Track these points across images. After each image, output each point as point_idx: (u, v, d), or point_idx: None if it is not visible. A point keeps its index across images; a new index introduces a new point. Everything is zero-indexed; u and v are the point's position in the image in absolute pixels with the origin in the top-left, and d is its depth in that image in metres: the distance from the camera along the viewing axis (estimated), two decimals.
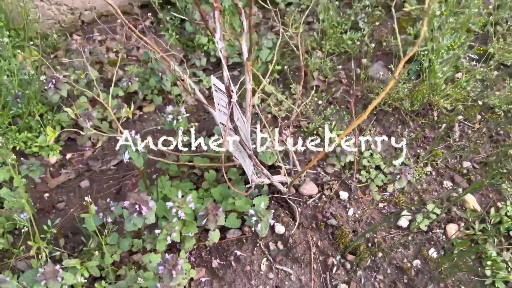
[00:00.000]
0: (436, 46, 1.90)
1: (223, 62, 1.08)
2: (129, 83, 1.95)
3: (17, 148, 1.81)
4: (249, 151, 1.25)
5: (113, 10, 1.35)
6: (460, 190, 1.64)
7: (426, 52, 1.84)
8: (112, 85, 1.71)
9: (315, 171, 1.64)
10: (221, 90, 1.19)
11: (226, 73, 1.10)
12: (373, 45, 2.04)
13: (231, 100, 1.11)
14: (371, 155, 1.68)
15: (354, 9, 2.29)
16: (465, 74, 1.95)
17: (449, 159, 1.74)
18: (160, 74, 1.95)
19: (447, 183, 1.66)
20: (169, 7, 2.54)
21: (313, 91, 1.87)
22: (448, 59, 1.86)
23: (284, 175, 1.48)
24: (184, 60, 1.75)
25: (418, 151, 1.77)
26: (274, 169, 1.61)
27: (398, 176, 1.51)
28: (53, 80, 1.70)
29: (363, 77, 2.03)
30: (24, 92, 1.82)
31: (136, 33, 1.45)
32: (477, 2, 1.93)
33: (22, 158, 1.78)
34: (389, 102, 1.89)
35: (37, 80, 1.79)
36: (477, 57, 2.00)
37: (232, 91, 1.14)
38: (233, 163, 1.54)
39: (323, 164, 1.67)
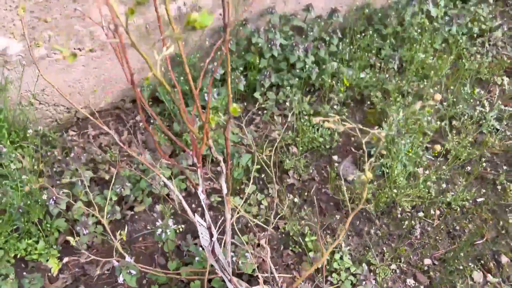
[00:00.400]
0: (396, 149, 2.15)
1: (205, 210, 1.29)
2: (122, 189, 2.14)
3: (18, 256, 1.97)
4: (228, 277, 1.44)
5: (95, 120, 1.56)
6: (422, 287, 1.83)
7: (386, 160, 2.08)
8: (110, 190, 1.91)
9: (290, 275, 1.82)
10: (203, 226, 1.38)
11: (207, 217, 1.30)
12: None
13: (212, 238, 1.31)
14: (341, 257, 1.87)
15: (324, 108, 2.56)
16: (424, 172, 2.19)
17: (411, 257, 1.94)
18: (150, 180, 2.15)
19: (410, 281, 1.85)
20: (157, 106, 2.78)
21: (290, 196, 2.08)
22: (406, 163, 2.11)
23: (262, 286, 1.66)
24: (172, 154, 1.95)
25: (384, 248, 1.97)
26: (254, 277, 1.79)
27: (364, 282, 1.70)
28: (54, 197, 1.89)
29: (333, 175, 2.26)
30: (26, 203, 1.99)
31: (123, 147, 1.66)
32: (429, 110, 2.20)
33: (24, 270, 1.94)
34: (357, 203, 2.10)
35: (39, 198, 1.97)
36: (433, 158, 2.24)
37: (213, 230, 1.34)
38: (217, 274, 1.72)
39: (299, 268, 1.86)
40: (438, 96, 0.98)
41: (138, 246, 2.07)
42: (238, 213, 1.66)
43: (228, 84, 1.05)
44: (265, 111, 2.78)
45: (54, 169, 2.49)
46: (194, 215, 1.37)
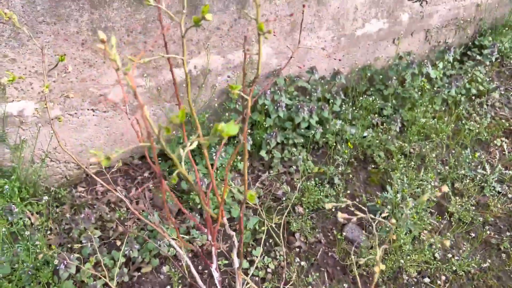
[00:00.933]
0: (400, 214, 2.19)
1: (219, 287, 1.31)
2: (131, 251, 2.16)
3: None
4: None
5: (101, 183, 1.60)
6: None
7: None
8: (119, 252, 1.92)
9: None
10: None
11: None
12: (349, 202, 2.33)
13: None
14: None
15: (328, 168, 2.62)
16: (429, 237, 2.22)
17: None
18: (158, 242, 2.18)
19: None
20: (166, 162, 2.84)
21: (296, 259, 2.10)
22: (411, 228, 2.14)
23: None
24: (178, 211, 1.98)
25: None
26: None
27: None
28: (65, 261, 1.91)
29: (339, 237, 2.28)
30: (35, 265, 2.01)
31: (135, 212, 1.69)
32: (432, 176, 2.26)
33: None
34: (363, 267, 2.12)
35: (50, 260, 1.99)
36: (437, 222, 2.28)
37: None
38: None
39: None
40: (445, 188, 1.03)
41: None
42: (247, 284, 1.68)
43: (245, 176, 1.11)
44: (271, 169, 2.84)
45: (62, 227, 2.52)
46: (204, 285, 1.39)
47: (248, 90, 1.08)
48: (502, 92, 3.45)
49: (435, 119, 3.02)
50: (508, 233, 2.30)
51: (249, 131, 2.95)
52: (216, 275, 1.30)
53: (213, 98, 2.90)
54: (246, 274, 2.14)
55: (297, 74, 3.16)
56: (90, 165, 2.86)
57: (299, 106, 2.82)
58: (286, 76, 3.13)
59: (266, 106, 2.86)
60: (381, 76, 3.33)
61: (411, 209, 2.16)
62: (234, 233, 1.37)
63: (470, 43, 3.89)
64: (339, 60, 3.04)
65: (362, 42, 3.34)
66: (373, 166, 2.80)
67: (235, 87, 0.98)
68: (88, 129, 2.65)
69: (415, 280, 2.09)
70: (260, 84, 3.07)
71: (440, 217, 2.28)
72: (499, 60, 3.91)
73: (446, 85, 3.16)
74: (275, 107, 2.83)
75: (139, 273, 2.24)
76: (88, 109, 2.58)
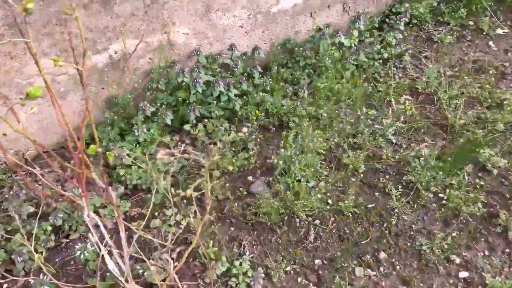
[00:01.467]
0: (293, 167, 2.47)
1: (92, 229, 1.58)
2: (55, 220, 2.42)
3: None
4: (122, 284, 1.72)
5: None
6: (311, 285, 2.12)
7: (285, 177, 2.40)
8: (37, 222, 2.18)
9: (196, 282, 2.11)
10: (92, 242, 1.68)
11: (95, 236, 1.60)
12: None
13: (101, 252, 1.60)
14: (241, 264, 2.16)
15: (239, 136, 2.89)
16: (319, 186, 2.51)
17: (304, 259, 2.23)
18: (81, 210, 2.44)
19: (302, 279, 2.14)
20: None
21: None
22: (302, 178, 2.43)
23: None
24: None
25: (283, 253, 2.26)
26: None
27: (252, 282, 1.99)
28: None
29: (245, 193, 2.57)
30: None
31: (51, 185, 1.94)
32: (319, 133, 2.54)
33: None
34: (261, 215, 2.41)
35: None
36: (326, 173, 2.57)
37: (101, 246, 1.63)
38: None
39: (203, 276, 2.15)
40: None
41: (70, 269, 2.34)
42: (137, 230, 1.95)
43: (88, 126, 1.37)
44: (196, 141, 3.10)
45: (3, 207, 2.77)
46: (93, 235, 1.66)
47: (81, 60, 1.32)
48: (416, 54, 3.73)
49: (348, 84, 3.29)
50: (387, 176, 2.60)
51: (175, 108, 3.20)
52: (87, 219, 1.56)
53: (136, 80, 3.14)
54: (160, 231, 2.42)
55: (218, 52, 3.40)
56: (27, 151, 3.10)
57: (215, 82, 3.07)
58: (208, 55, 3.37)
59: (185, 83, 3.11)
60: (300, 49, 3.58)
61: (302, 161, 2.44)
62: (110, 187, 1.64)
63: (387, 11, 4.15)
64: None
65: (279, 18, 3.59)
66: (287, 130, 3.08)
67: (57, 60, 1.23)
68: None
69: (307, 222, 2.38)
70: (183, 64, 3.31)
71: (327, 167, 2.57)
72: (418, 25, 4.17)
73: (355, 51, 3.43)
74: (193, 83, 3.08)
75: (68, 240, 2.51)
76: (15, 98, 2.81)
